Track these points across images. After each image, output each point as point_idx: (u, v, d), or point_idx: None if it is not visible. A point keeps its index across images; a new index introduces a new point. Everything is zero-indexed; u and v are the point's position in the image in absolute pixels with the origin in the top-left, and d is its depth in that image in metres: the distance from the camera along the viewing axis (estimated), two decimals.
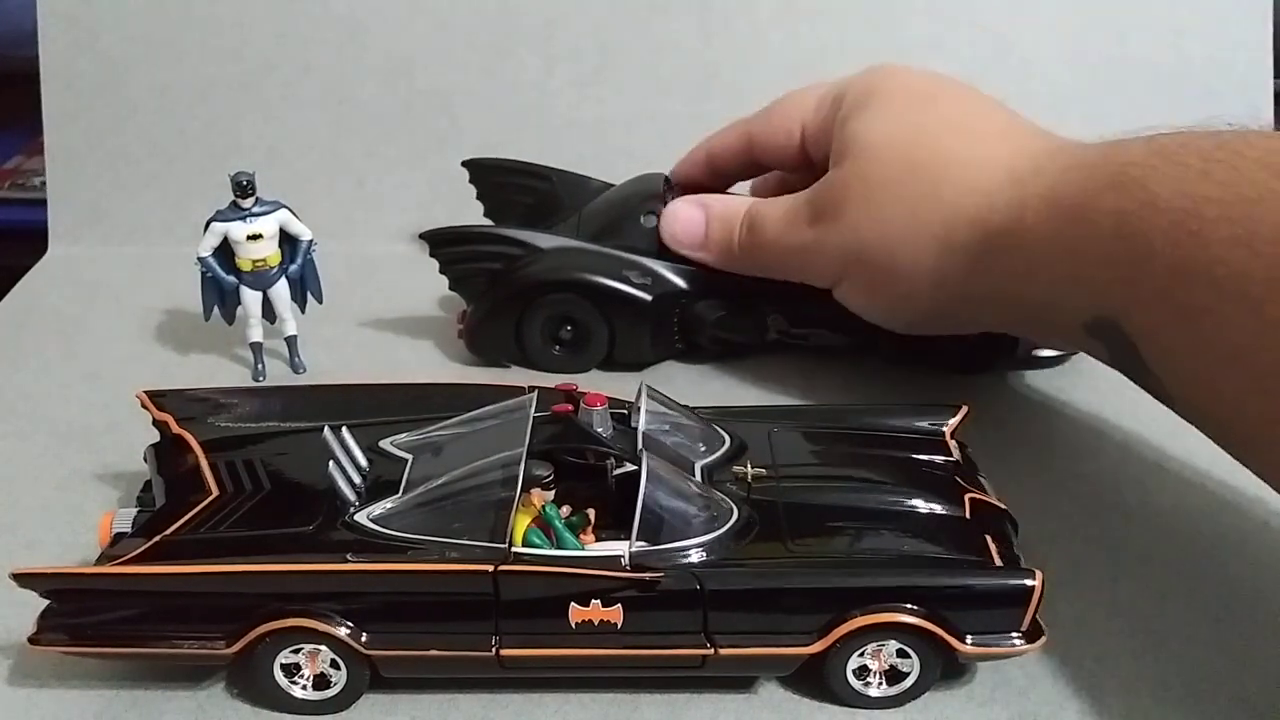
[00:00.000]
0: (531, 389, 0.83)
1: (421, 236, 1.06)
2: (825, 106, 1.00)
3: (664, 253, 1.05)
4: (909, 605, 0.69)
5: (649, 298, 1.04)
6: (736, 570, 0.71)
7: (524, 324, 1.05)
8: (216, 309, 1.05)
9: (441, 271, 1.07)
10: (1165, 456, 0.94)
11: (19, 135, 1.51)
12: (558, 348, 1.06)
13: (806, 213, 0.97)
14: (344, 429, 0.80)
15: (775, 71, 1.30)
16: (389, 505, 0.74)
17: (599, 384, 0.84)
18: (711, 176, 1.11)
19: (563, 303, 1.04)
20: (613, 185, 1.14)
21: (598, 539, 0.74)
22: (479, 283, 1.06)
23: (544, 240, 1.06)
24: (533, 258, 1.05)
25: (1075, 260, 0.78)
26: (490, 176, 1.19)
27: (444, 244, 1.06)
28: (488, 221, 1.17)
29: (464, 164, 1.18)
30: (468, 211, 1.19)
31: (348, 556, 0.70)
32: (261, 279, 1.03)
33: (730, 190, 1.13)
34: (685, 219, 1.04)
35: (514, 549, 0.70)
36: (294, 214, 1.03)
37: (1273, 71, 1.32)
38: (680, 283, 1.05)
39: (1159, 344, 0.74)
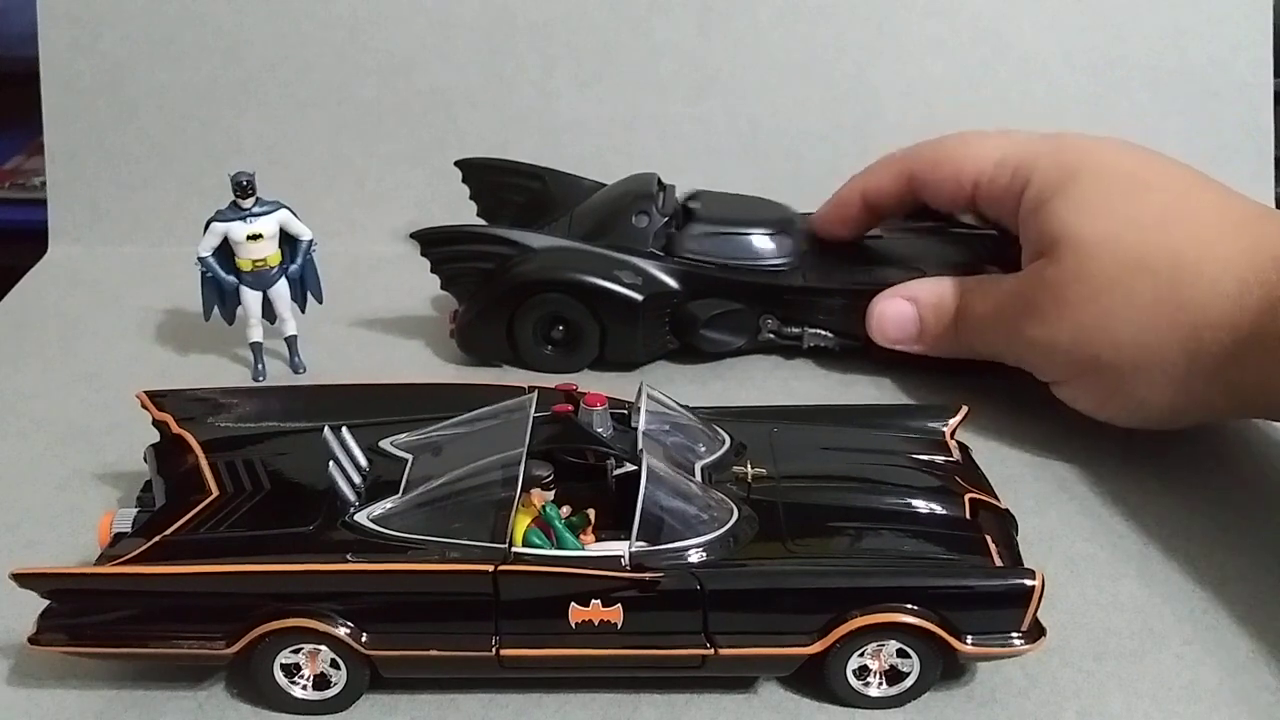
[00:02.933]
0: (531, 389, 0.83)
1: (412, 236, 1.06)
2: (1006, 173, 0.96)
3: (656, 252, 1.05)
4: (909, 605, 0.69)
5: (640, 297, 1.04)
6: (736, 570, 0.71)
7: (515, 323, 1.05)
8: (216, 309, 1.05)
9: (433, 271, 1.07)
10: (1165, 456, 0.94)
11: (19, 135, 1.50)
12: (549, 347, 1.06)
13: (1020, 307, 0.92)
14: (344, 429, 0.80)
15: (775, 71, 1.31)
16: (389, 505, 0.74)
17: (596, 384, 0.84)
18: (867, 213, 1.07)
19: (554, 302, 1.04)
20: (605, 185, 1.14)
21: (598, 539, 0.74)
22: (470, 282, 1.06)
23: (535, 240, 1.06)
24: (524, 257, 1.05)
25: None
26: (483, 176, 1.19)
27: (435, 244, 1.06)
28: (481, 221, 1.17)
29: (457, 164, 1.18)
30: (467, 211, 1.19)
31: (348, 556, 0.70)
32: (262, 279, 1.03)
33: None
34: (895, 315, 1.01)
35: (514, 549, 0.70)
36: (294, 214, 1.03)
37: (1273, 71, 1.32)
38: (671, 282, 1.05)
39: None
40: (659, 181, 1.10)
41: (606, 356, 1.06)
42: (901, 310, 1.01)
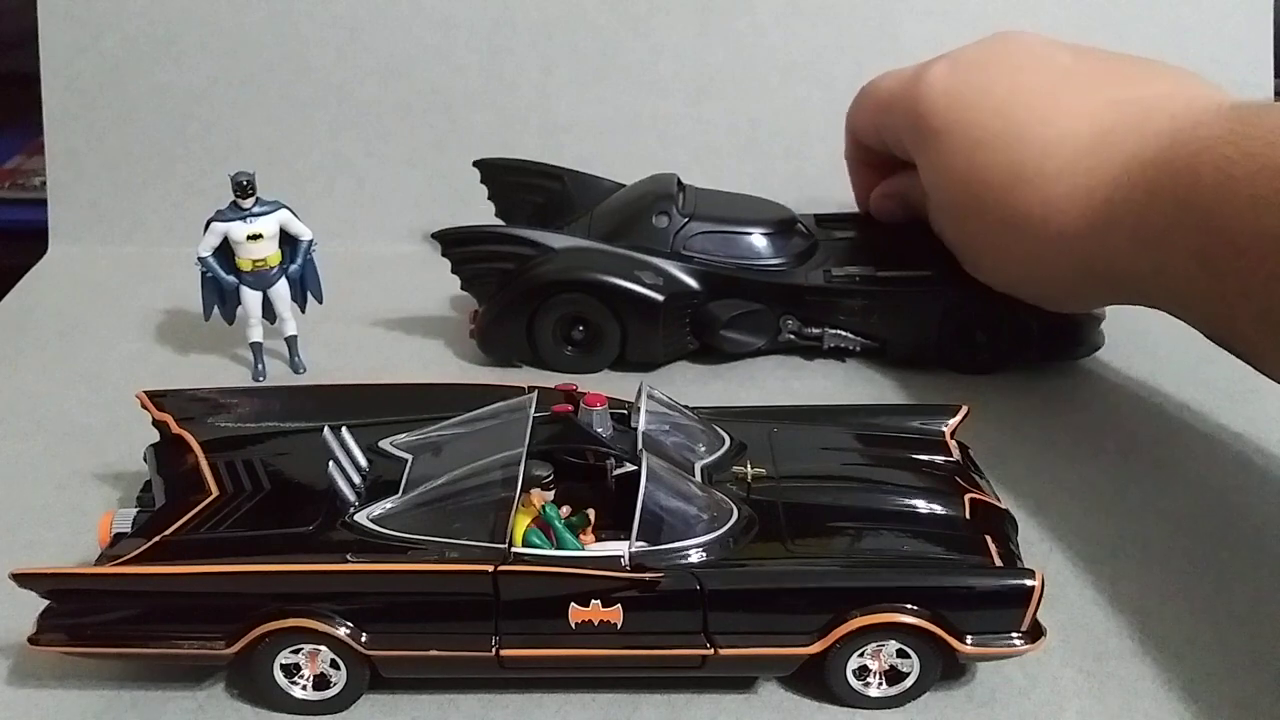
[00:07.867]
0: (531, 389, 0.83)
1: (434, 236, 1.06)
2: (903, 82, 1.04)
3: (677, 252, 1.05)
4: (909, 605, 0.69)
5: (661, 298, 1.03)
6: (736, 570, 0.71)
7: (536, 324, 1.05)
8: (216, 309, 1.05)
9: (453, 271, 1.07)
10: (1165, 456, 0.94)
11: (19, 135, 1.50)
12: (570, 348, 1.06)
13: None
14: (344, 429, 0.80)
15: (775, 71, 1.31)
16: (389, 505, 0.74)
17: (611, 384, 0.84)
18: (876, 174, 1.14)
19: (575, 303, 1.04)
20: (624, 185, 1.14)
21: (598, 539, 0.74)
22: (491, 282, 1.06)
23: (556, 240, 1.05)
24: (545, 258, 1.05)
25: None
26: (502, 176, 1.19)
27: (456, 244, 1.06)
28: (499, 221, 1.17)
29: (476, 164, 1.18)
30: (467, 211, 1.18)
31: (348, 556, 0.70)
32: (262, 279, 1.03)
33: None
34: (884, 214, 1.14)
35: (514, 549, 0.70)
36: (294, 214, 1.03)
37: (1273, 71, 1.32)
38: (692, 283, 1.05)
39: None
40: (679, 182, 1.10)
41: (627, 357, 1.05)
42: (891, 209, 1.13)
